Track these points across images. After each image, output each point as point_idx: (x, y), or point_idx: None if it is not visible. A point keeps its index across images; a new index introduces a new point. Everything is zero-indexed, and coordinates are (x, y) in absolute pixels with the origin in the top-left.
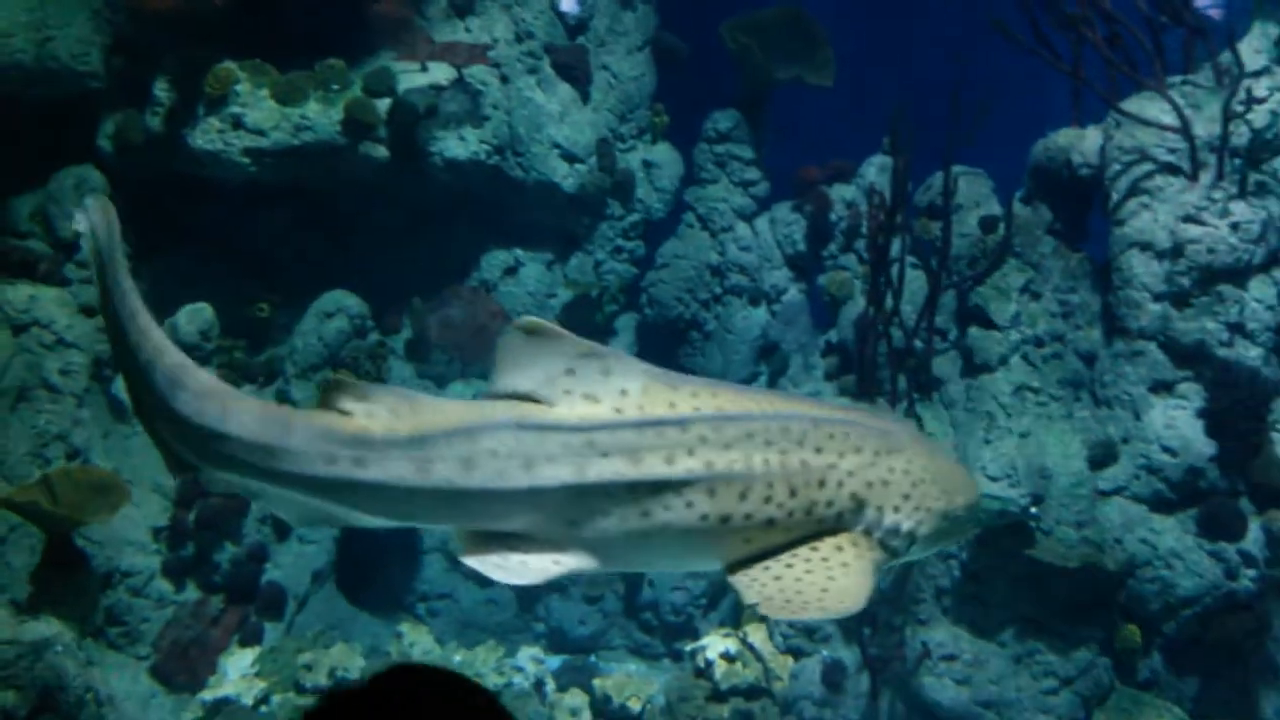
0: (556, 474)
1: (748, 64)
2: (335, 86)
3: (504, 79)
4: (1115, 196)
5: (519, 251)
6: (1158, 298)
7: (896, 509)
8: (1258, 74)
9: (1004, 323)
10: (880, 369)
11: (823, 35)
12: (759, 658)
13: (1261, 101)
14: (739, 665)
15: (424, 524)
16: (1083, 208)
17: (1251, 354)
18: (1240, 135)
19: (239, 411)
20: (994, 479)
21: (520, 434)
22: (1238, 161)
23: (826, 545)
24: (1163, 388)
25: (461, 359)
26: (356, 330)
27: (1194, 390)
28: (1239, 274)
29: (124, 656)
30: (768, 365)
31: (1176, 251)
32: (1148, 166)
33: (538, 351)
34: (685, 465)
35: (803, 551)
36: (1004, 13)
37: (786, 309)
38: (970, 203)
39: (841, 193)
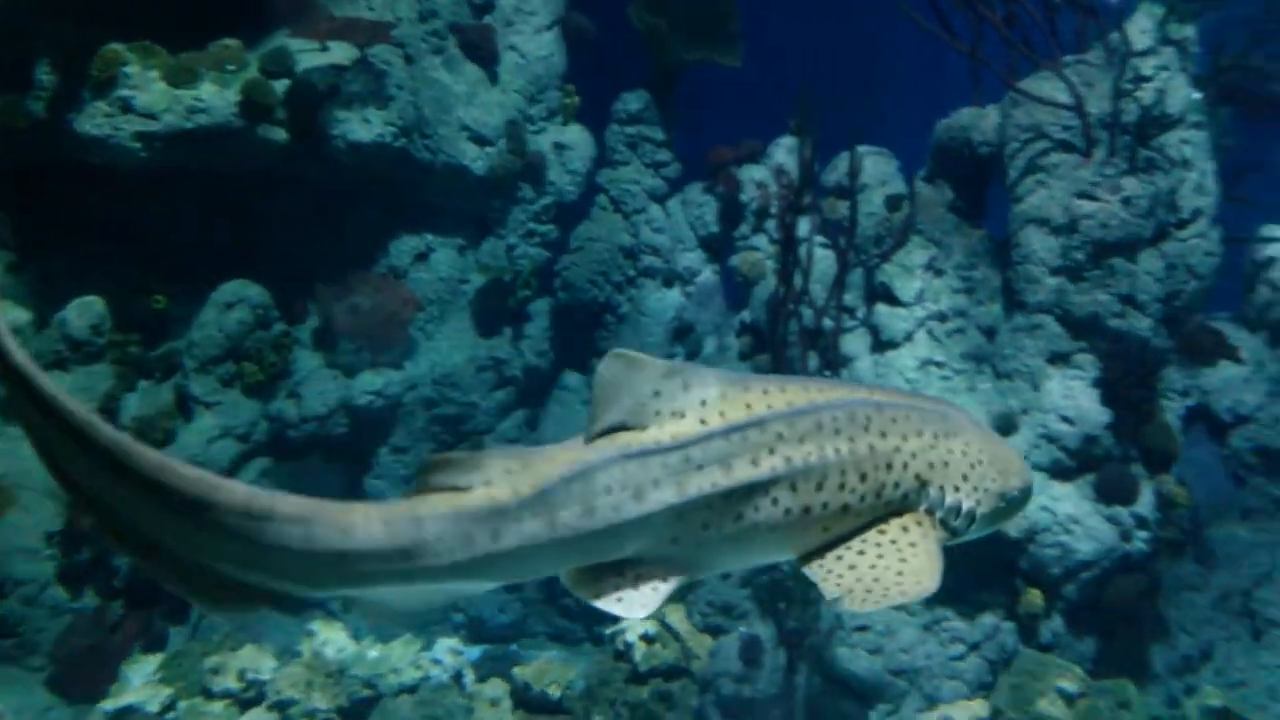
0: (661, 497)
1: (656, 44)
2: (230, 67)
3: (409, 59)
4: (1013, 174)
5: (430, 236)
6: (1054, 272)
7: (957, 489)
8: (1144, 53)
9: (909, 300)
10: (792, 347)
11: (732, 15)
12: (678, 638)
13: (1148, 80)
14: (658, 646)
15: (544, 575)
16: (983, 185)
17: (1142, 325)
18: (1130, 113)
19: (359, 525)
20: None
21: (626, 465)
22: (1127, 138)
23: (893, 527)
24: (1060, 359)
25: (371, 348)
26: (259, 321)
27: (1089, 361)
28: (1130, 247)
29: (17, 669)
30: (683, 347)
31: (1071, 227)
32: (1044, 144)
33: (625, 381)
34: (769, 464)
35: (871, 536)
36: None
37: (700, 290)
38: (876, 182)
39: (752, 173)
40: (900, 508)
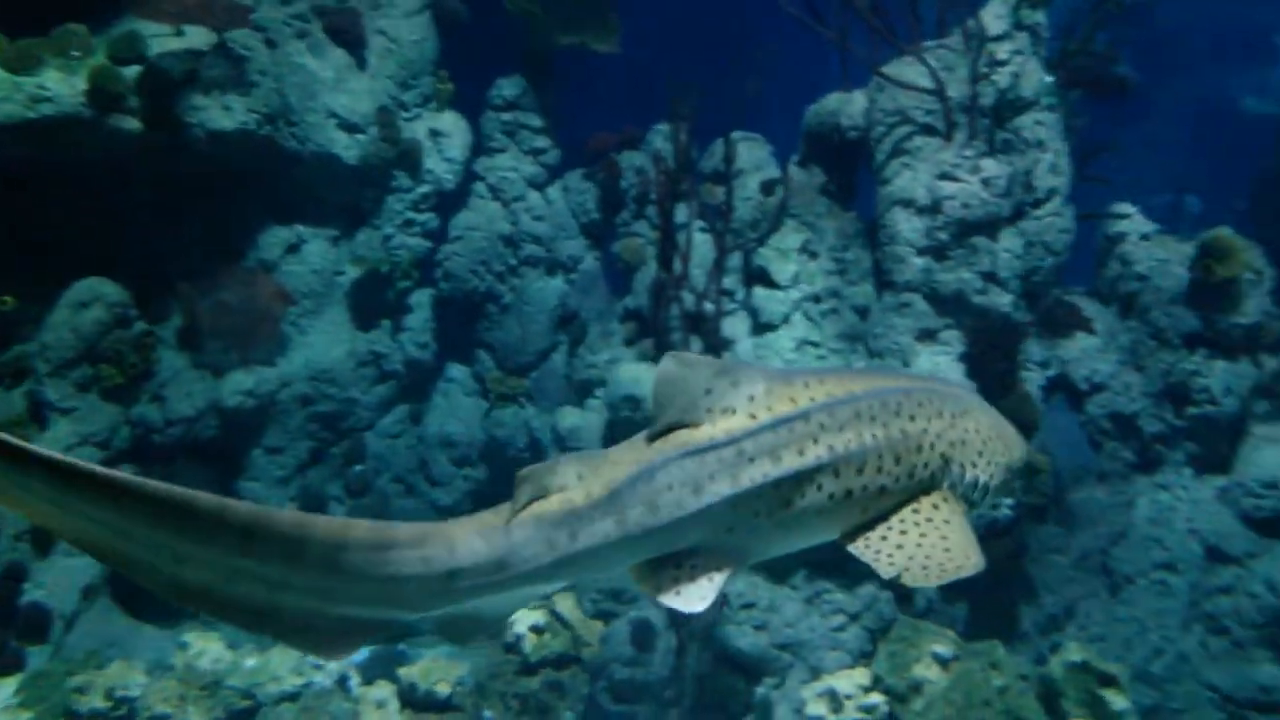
0: (718, 489)
1: (531, 29)
2: (76, 53)
3: (270, 43)
4: (880, 157)
5: (300, 228)
6: (920, 252)
7: (974, 465)
8: (999, 38)
9: (785, 282)
10: (675, 332)
11: (607, 1)
12: (568, 626)
13: (1003, 64)
14: (548, 636)
15: (614, 570)
16: (853, 169)
17: (1004, 300)
18: (988, 96)
19: (459, 541)
20: None
21: (684, 462)
22: (986, 121)
23: (925, 506)
24: (928, 336)
25: (241, 346)
26: (117, 320)
27: (955, 336)
28: (990, 226)
29: None
30: (567, 334)
31: (935, 208)
32: (908, 128)
33: (680, 381)
34: (814, 453)
35: (908, 515)
36: None
37: (583, 277)
38: (751, 167)
39: (632, 160)
40: (929, 485)
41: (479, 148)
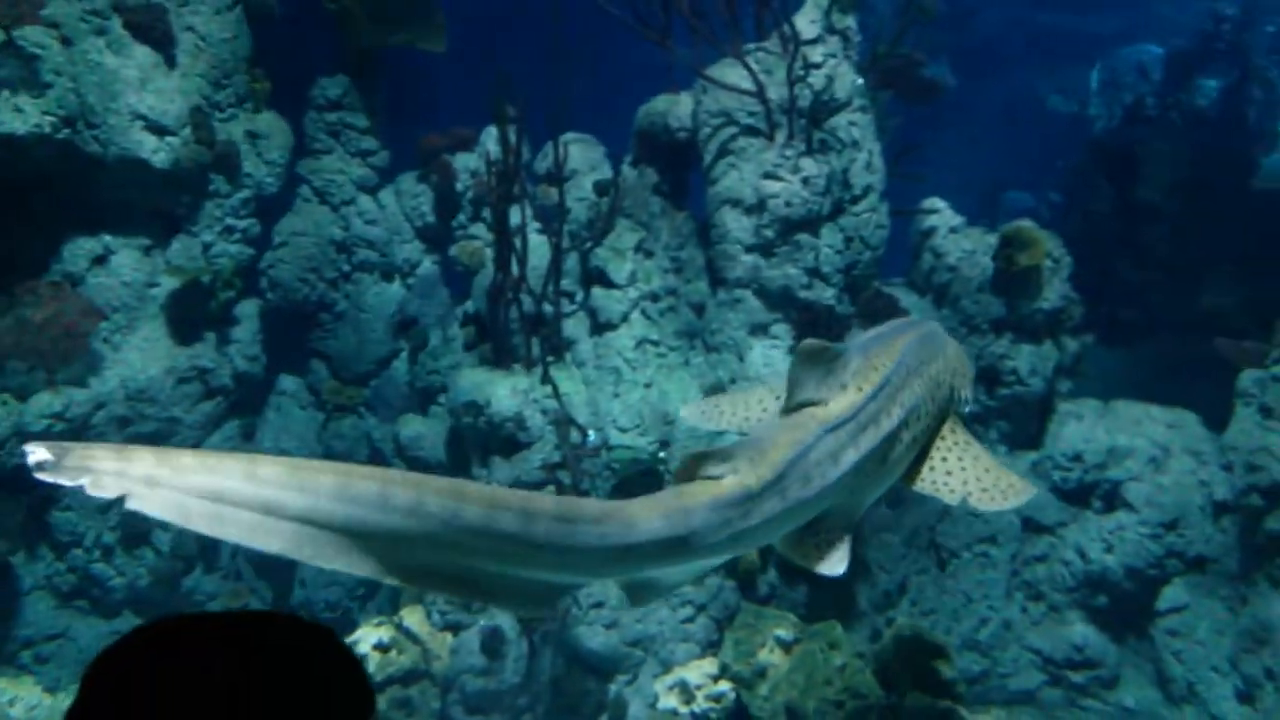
0: (849, 457)
1: (352, 27)
2: None
3: (65, 40)
4: (707, 158)
5: (108, 237)
6: (749, 249)
7: (962, 386)
8: (813, 41)
9: (622, 281)
10: (515, 335)
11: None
12: (416, 640)
13: (818, 66)
14: (394, 653)
15: (772, 541)
16: (684, 169)
17: (827, 294)
18: (804, 98)
19: (640, 518)
20: (624, 430)
21: (825, 437)
22: (803, 122)
23: (947, 436)
24: (759, 330)
25: (46, 366)
26: None
27: (784, 330)
28: (812, 223)
29: None
30: (407, 341)
31: (761, 206)
32: (732, 129)
33: (810, 366)
34: (897, 413)
35: (940, 447)
36: None
37: (422, 282)
38: (586, 168)
39: (467, 162)
40: (945, 412)
41: (302, 149)
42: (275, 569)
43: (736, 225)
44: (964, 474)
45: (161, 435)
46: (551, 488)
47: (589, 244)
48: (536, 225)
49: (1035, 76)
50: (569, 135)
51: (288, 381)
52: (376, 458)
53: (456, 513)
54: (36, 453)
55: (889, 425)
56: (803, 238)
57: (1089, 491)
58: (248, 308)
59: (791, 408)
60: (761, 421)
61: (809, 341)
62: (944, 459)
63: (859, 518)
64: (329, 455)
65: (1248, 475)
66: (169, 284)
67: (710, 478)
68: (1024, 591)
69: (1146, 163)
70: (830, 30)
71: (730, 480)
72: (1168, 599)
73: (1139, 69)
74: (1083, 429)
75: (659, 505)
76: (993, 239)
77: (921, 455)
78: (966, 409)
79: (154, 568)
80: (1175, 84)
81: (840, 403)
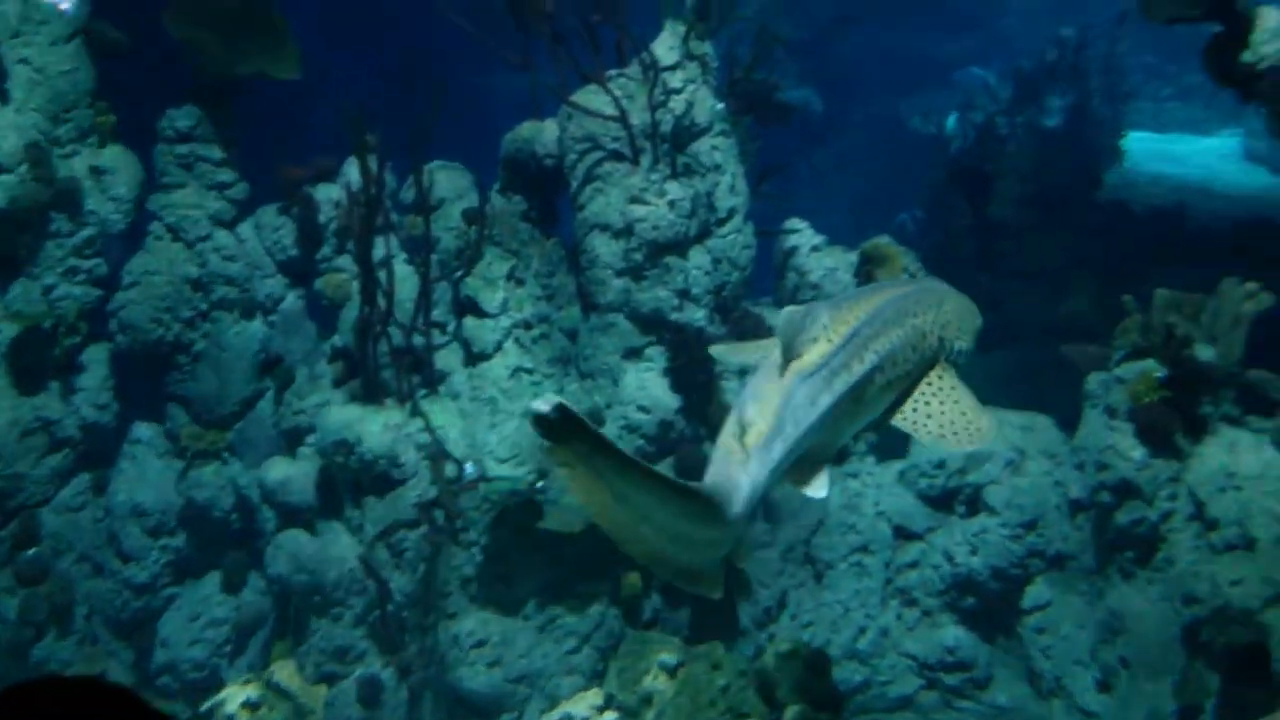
0: (825, 400)
1: (202, 57)
2: None
3: None
4: (575, 183)
5: None
6: (619, 274)
7: (956, 338)
8: (672, 68)
9: (494, 310)
10: (386, 369)
11: (284, 26)
12: (288, 696)
13: (678, 92)
14: (264, 710)
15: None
16: (553, 195)
17: (698, 315)
18: (666, 123)
19: (736, 483)
20: (502, 460)
21: (803, 385)
22: (666, 146)
23: (934, 379)
24: (633, 354)
25: None
26: None
27: (657, 352)
28: (680, 246)
29: None
30: (272, 380)
31: (628, 230)
32: (598, 154)
33: (789, 327)
34: (870, 359)
35: (924, 389)
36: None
37: (285, 318)
38: (453, 196)
39: (329, 192)
40: (933, 360)
41: (153, 184)
42: (135, 631)
43: (606, 250)
44: (942, 416)
45: (6, 494)
46: (426, 526)
47: (459, 273)
48: (404, 256)
49: (897, 99)
50: (436, 163)
51: (143, 429)
52: (242, 505)
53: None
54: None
55: (860, 370)
56: (671, 260)
57: (952, 496)
58: (96, 353)
59: (783, 363)
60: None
61: (789, 309)
62: (927, 402)
63: (838, 449)
64: (190, 506)
65: (1098, 474)
66: (8, 330)
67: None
68: (898, 598)
69: (999, 179)
70: (689, 56)
71: (754, 430)
72: (1032, 597)
73: (987, 90)
74: None
75: (728, 465)
76: (853, 256)
77: (904, 396)
78: (963, 360)
79: None
80: (1023, 104)
81: (813, 353)
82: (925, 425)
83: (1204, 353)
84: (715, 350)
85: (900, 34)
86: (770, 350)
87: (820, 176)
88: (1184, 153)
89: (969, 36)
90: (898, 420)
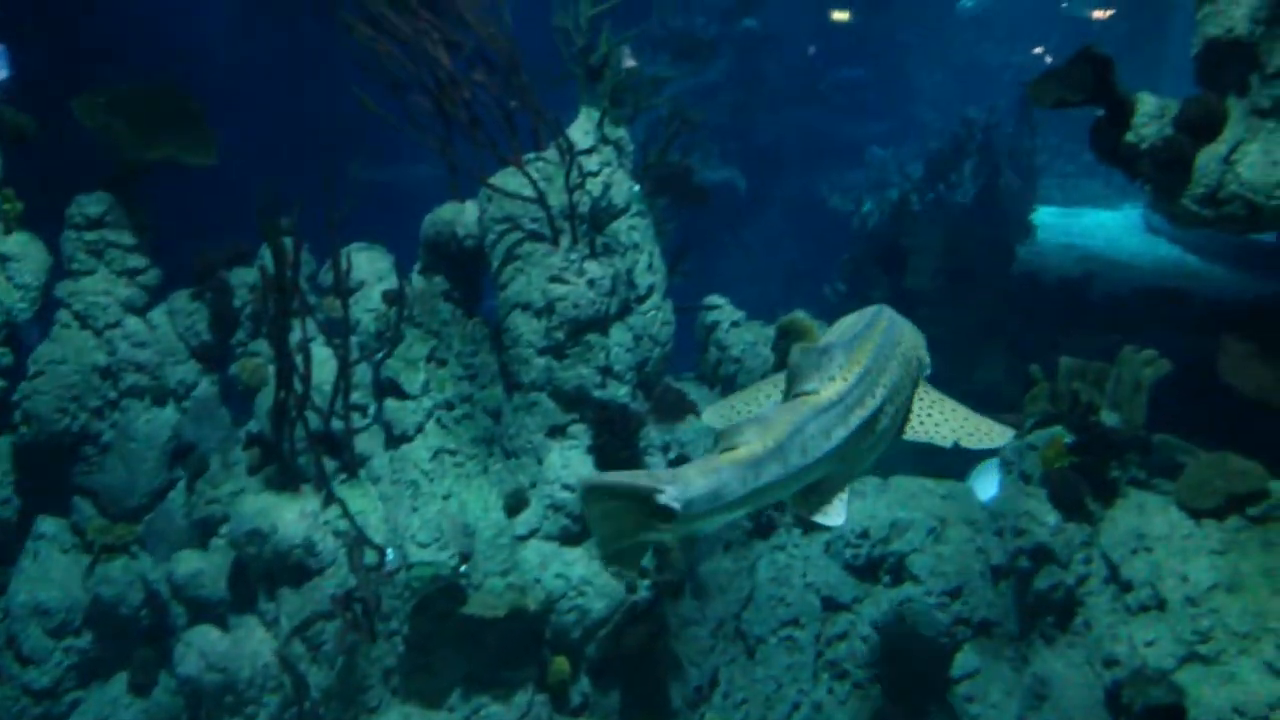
0: (839, 433)
1: (112, 143)
2: None
3: None
4: (495, 263)
5: None
6: (541, 352)
7: (922, 356)
8: (589, 152)
9: (415, 392)
10: (303, 454)
11: (199, 112)
12: None
13: (595, 174)
14: None
15: (780, 498)
16: (474, 275)
17: (621, 392)
18: (584, 204)
19: (692, 478)
20: (424, 545)
21: (819, 418)
22: (585, 227)
23: (923, 396)
24: (557, 431)
25: None
26: None
27: (581, 430)
28: (601, 324)
29: None
30: (184, 469)
31: (549, 309)
32: (518, 235)
33: (804, 363)
34: (879, 393)
35: (922, 406)
36: (376, 94)
37: (199, 405)
38: (374, 278)
39: (245, 276)
40: (916, 378)
41: (60, 271)
42: None
43: (528, 329)
44: (948, 424)
45: None
46: (347, 616)
47: (379, 355)
48: (323, 339)
49: (816, 178)
50: (356, 245)
51: (47, 524)
52: (152, 601)
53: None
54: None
55: (874, 404)
56: (593, 338)
57: (878, 566)
58: None
59: (791, 396)
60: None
61: (802, 345)
62: (928, 414)
63: (854, 478)
64: (97, 604)
65: (1015, 540)
66: None
67: (730, 448)
68: (829, 671)
69: (914, 253)
70: (604, 141)
71: (744, 450)
72: (960, 665)
73: (900, 169)
74: (866, 505)
75: (698, 469)
76: (771, 330)
77: (906, 414)
78: (928, 372)
79: None
80: (934, 182)
81: (829, 390)
82: (941, 433)
83: (1109, 418)
84: (707, 417)
85: (818, 115)
86: (762, 391)
87: (748, 252)
88: (1089, 225)
89: (884, 119)
90: (911, 434)
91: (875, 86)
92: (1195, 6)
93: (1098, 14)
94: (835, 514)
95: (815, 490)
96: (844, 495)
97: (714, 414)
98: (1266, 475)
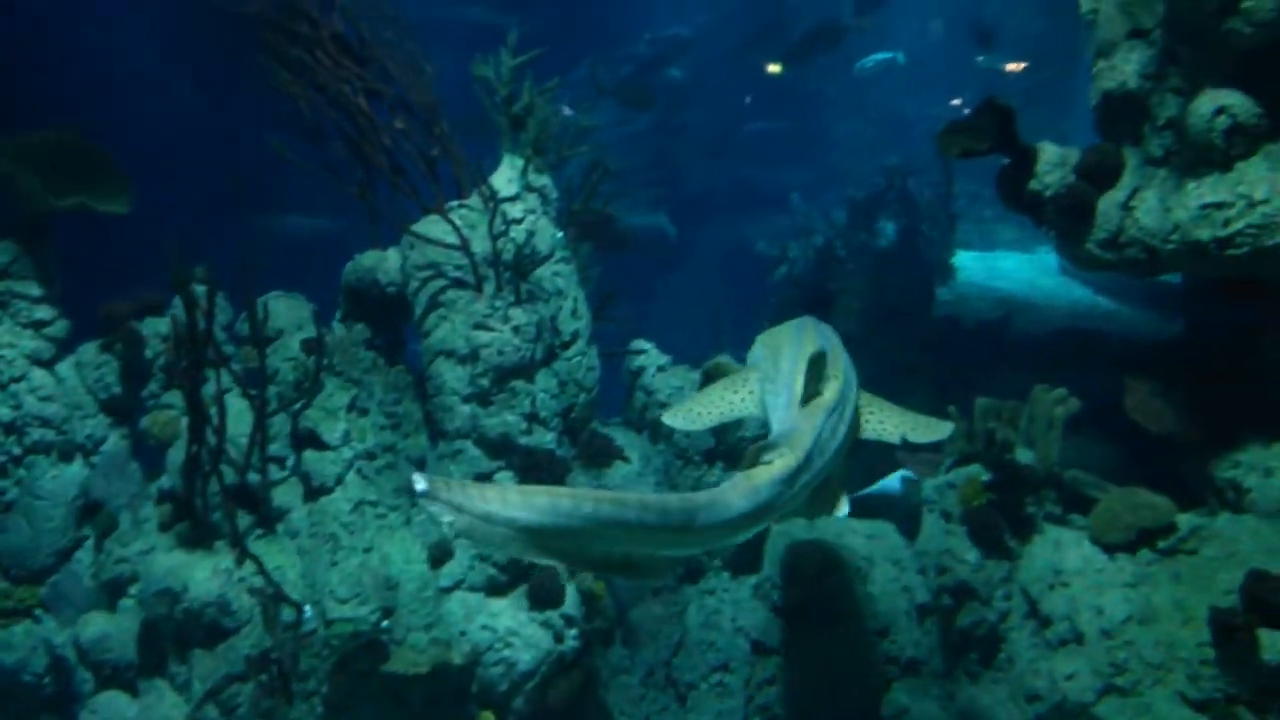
0: (842, 429)
1: (17, 193)
2: None
3: None
4: (419, 311)
5: None
6: (466, 399)
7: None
8: (512, 199)
9: (335, 442)
10: (218, 509)
11: (110, 161)
12: None
13: (519, 221)
14: None
15: (803, 500)
16: (397, 323)
17: (547, 439)
18: (508, 251)
19: (732, 500)
20: (343, 600)
21: (828, 419)
22: (509, 274)
23: (863, 400)
24: (482, 480)
25: None
26: None
27: (507, 477)
28: (525, 370)
29: None
30: (92, 527)
31: (474, 356)
32: (442, 282)
33: (812, 370)
34: (851, 391)
35: (865, 408)
36: (295, 144)
37: (108, 461)
38: (292, 327)
39: (157, 327)
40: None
41: None
42: None
43: (452, 376)
44: (892, 421)
45: None
46: (263, 677)
47: (298, 405)
48: (239, 389)
49: (743, 224)
50: (274, 294)
51: None
52: (57, 667)
53: (617, 513)
54: (419, 483)
55: (853, 400)
56: (518, 384)
57: (807, 607)
58: None
59: (805, 399)
60: (773, 407)
61: (813, 352)
62: (872, 413)
63: (836, 473)
64: None
65: (938, 578)
66: None
67: (765, 463)
68: (760, 715)
69: (840, 296)
70: (528, 188)
71: (779, 462)
72: (891, 705)
73: (824, 215)
74: (794, 547)
75: (740, 488)
76: (696, 375)
77: (857, 416)
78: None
79: None
80: (858, 228)
81: (830, 391)
82: (887, 430)
83: (1023, 456)
84: (668, 417)
85: (743, 164)
86: (737, 400)
87: (677, 296)
88: (1007, 268)
89: (806, 168)
90: (869, 434)
91: (796, 136)
92: (1091, 62)
93: (1011, 66)
94: (843, 506)
95: (817, 491)
96: (843, 492)
97: (676, 415)
98: (1173, 509)
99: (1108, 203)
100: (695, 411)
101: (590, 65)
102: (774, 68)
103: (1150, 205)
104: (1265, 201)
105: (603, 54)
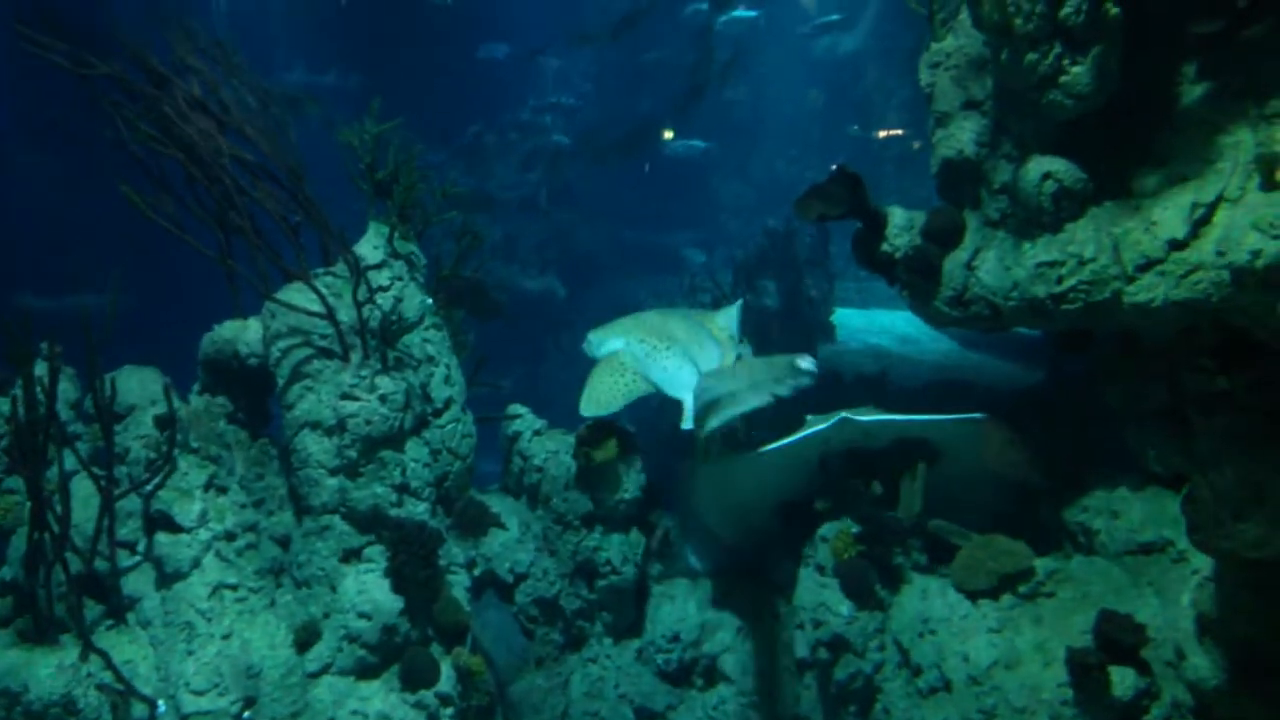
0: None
1: None
2: None
3: None
4: (281, 382)
5: None
6: (333, 472)
7: None
8: (378, 266)
9: (191, 524)
10: (62, 601)
11: None
12: None
13: (385, 289)
14: None
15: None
16: (261, 395)
17: (419, 509)
18: (375, 319)
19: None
20: (200, 692)
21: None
22: (375, 342)
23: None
24: (352, 555)
25: None
26: None
27: (378, 552)
28: (395, 440)
29: None
30: None
31: (340, 427)
32: (306, 351)
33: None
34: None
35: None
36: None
37: None
38: (146, 402)
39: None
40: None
41: None
42: None
43: (318, 448)
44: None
45: None
46: None
47: (149, 486)
48: (86, 471)
49: (632, 284)
50: (127, 368)
51: None
52: None
53: None
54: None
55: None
56: (387, 454)
57: (690, 669)
58: None
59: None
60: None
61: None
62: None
63: None
64: None
65: (814, 631)
66: None
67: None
68: None
69: None
70: (394, 255)
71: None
72: None
73: (711, 275)
74: (675, 609)
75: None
76: (572, 438)
77: None
78: None
79: None
80: (743, 287)
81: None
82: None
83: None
84: (584, 409)
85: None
86: (610, 374)
87: (569, 358)
88: (884, 324)
89: (694, 230)
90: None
91: (685, 199)
92: (930, 131)
93: (882, 133)
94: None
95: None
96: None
97: (589, 405)
98: (1031, 554)
99: (952, 263)
100: (602, 400)
101: (474, 133)
102: (668, 134)
103: (991, 265)
104: (1093, 260)
105: (490, 121)
